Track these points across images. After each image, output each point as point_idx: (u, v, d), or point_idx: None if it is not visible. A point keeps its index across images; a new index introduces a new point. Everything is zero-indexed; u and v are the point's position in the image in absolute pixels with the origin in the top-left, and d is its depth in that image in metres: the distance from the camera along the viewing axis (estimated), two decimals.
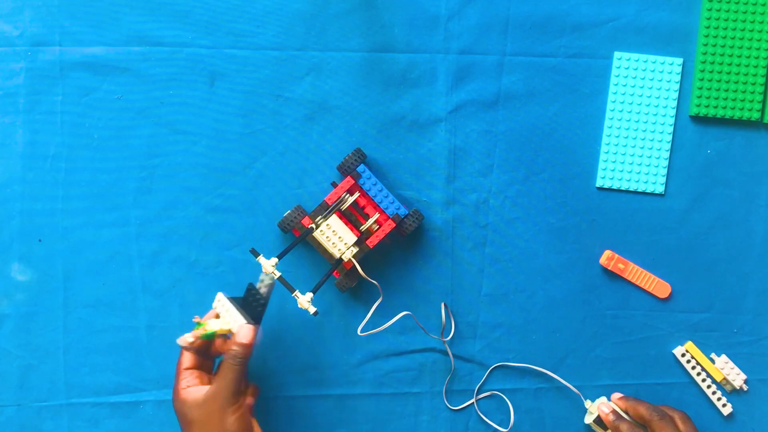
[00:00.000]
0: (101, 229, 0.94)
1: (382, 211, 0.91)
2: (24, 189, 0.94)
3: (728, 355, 0.97)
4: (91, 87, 0.94)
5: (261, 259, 0.81)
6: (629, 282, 0.97)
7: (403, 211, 0.92)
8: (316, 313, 0.81)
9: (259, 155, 0.95)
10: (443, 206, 0.96)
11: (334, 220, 0.88)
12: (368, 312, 0.89)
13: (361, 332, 0.89)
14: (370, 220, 0.89)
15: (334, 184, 0.90)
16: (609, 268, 0.96)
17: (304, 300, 0.81)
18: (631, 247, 0.97)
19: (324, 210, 0.89)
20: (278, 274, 0.82)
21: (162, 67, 0.94)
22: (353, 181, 0.90)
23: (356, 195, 0.90)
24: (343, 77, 0.96)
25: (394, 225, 0.90)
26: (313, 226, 0.88)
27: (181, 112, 0.95)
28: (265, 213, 0.95)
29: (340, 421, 0.95)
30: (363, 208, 0.90)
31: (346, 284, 0.92)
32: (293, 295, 0.81)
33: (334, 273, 0.92)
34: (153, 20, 0.94)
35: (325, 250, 0.89)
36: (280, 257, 0.83)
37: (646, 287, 0.96)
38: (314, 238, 0.89)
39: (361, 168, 0.91)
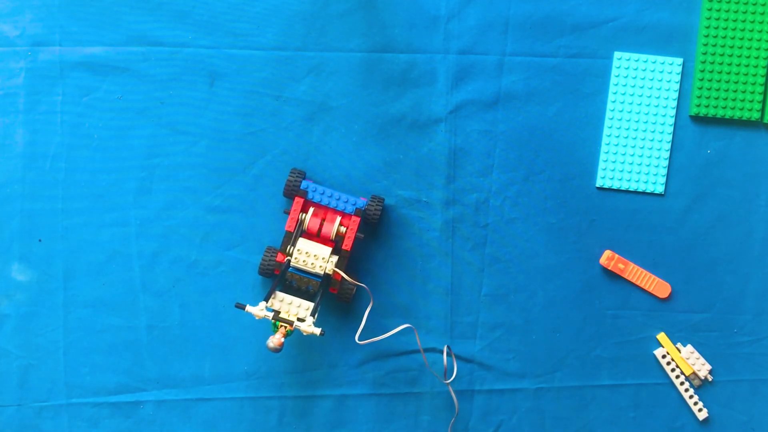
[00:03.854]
0: (101, 229, 0.94)
1: (343, 213, 0.91)
2: (24, 189, 0.94)
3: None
4: (91, 87, 0.94)
5: (249, 308, 0.82)
6: (629, 282, 0.97)
7: (361, 203, 0.92)
8: (322, 333, 0.82)
9: (259, 155, 0.95)
10: (443, 206, 0.96)
11: (304, 243, 0.88)
12: (363, 316, 0.90)
13: (359, 340, 0.89)
14: (335, 226, 0.90)
15: (287, 212, 0.91)
16: (609, 268, 0.96)
17: (307, 327, 0.82)
18: (631, 247, 0.97)
19: (290, 239, 0.89)
20: (271, 315, 0.83)
21: (162, 67, 0.94)
22: (303, 200, 0.90)
23: (311, 211, 0.90)
24: (343, 77, 0.96)
25: (359, 219, 0.90)
26: (288, 258, 0.88)
27: (181, 112, 0.95)
28: (265, 213, 0.95)
29: (340, 421, 0.95)
30: (324, 218, 0.91)
31: (347, 294, 0.92)
32: (294, 326, 0.83)
33: (332, 290, 0.92)
34: (153, 20, 0.94)
35: (310, 273, 0.89)
36: (267, 299, 0.83)
37: (646, 287, 0.96)
38: (296, 268, 0.89)
39: (303, 185, 0.91)
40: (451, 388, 0.94)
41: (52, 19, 0.94)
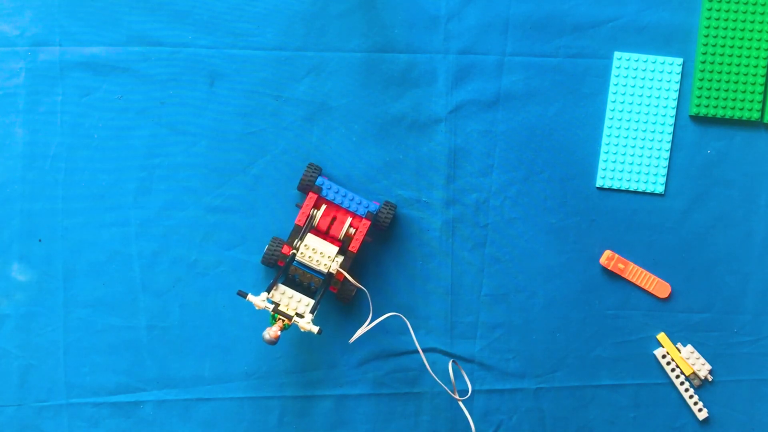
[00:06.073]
0: (101, 229, 0.94)
1: (354, 214, 0.91)
2: (24, 189, 0.94)
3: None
4: (91, 87, 0.94)
5: (250, 297, 0.82)
6: (629, 282, 0.97)
7: (373, 206, 0.92)
8: (320, 332, 0.82)
9: (259, 155, 0.95)
10: (443, 206, 0.96)
11: (311, 239, 0.88)
12: (365, 320, 0.89)
13: (351, 342, 0.89)
14: (345, 226, 0.90)
15: (299, 205, 0.91)
16: (609, 268, 0.96)
17: (305, 323, 0.82)
18: (631, 247, 0.97)
19: (298, 233, 0.89)
20: (271, 307, 0.83)
21: (162, 67, 0.94)
22: (316, 196, 0.90)
23: (323, 208, 0.90)
24: (343, 77, 0.96)
25: (370, 222, 0.90)
26: (294, 251, 0.88)
27: (181, 112, 0.95)
28: (265, 213, 0.95)
29: (340, 422, 0.95)
30: (335, 217, 0.91)
31: (346, 294, 0.92)
32: (292, 321, 0.83)
33: (332, 289, 0.92)
34: (153, 20, 0.94)
35: (314, 270, 0.89)
36: (269, 291, 0.84)
37: (646, 287, 0.96)
38: (300, 262, 0.89)
39: (319, 181, 0.91)
40: (463, 405, 0.93)
41: (52, 19, 0.94)
